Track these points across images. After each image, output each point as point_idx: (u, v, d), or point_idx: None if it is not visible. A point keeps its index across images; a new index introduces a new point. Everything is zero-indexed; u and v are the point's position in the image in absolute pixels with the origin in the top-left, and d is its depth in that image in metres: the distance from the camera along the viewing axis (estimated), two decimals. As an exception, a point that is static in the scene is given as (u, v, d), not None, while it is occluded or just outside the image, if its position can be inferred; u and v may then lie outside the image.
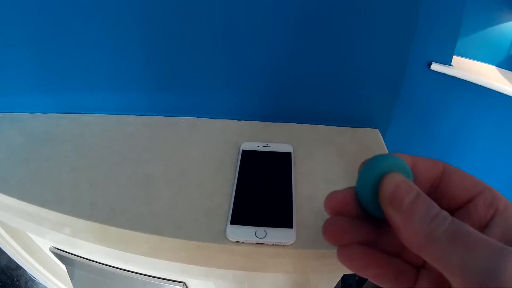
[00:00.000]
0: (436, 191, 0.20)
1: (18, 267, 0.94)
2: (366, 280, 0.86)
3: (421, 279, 0.20)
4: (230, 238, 0.32)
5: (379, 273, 0.20)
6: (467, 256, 0.14)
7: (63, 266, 0.58)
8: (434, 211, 0.17)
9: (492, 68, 0.98)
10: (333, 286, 0.42)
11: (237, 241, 0.31)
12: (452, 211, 0.18)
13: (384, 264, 0.20)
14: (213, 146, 0.43)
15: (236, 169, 0.39)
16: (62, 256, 0.51)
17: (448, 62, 0.89)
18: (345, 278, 0.89)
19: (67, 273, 0.58)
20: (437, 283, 0.19)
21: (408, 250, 0.18)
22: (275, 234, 0.31)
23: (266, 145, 0.42)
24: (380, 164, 0.19)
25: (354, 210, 0.21)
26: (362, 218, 0.21)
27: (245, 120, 0.48)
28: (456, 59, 0.92)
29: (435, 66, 0.88)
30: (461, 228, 0.15)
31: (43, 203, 0.36)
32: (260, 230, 0.32)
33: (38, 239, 0.58)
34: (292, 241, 0.31)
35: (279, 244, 0.31)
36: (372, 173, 0.19)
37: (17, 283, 0.97)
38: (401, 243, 0.18)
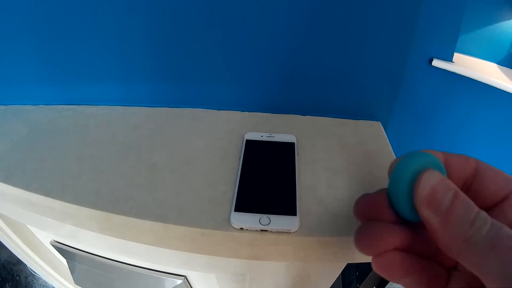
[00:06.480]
0: (470, 190, 0.19)
1: (18, 262, 0.94)
2: (366, 275, 0.86)
3: (453, 281, 0.19)
4: (234, 225, 0.32)
5: (415, 280, 0.19)
6: (509, 263, 0.13)
7: (64, 260, 0.58)
8: (473, 212, 0.15)
9: (493, 66, 0.99)
10: (334, 279, 0.42)
11: (241, 228, 0.32)
12: (486, 210, 0.17)
13: (419, 270, 0.19)
14: (217, 136, 0.43)
15: (240, 158, 0.39)
16: (63, 250, 0.51)
17: (449, 59, 0.89)
18: (345, 274, 0.89)
19: (67, 268, 0.58)
20: (469, 284, 0.18)
21: (441, 252, 0.17)
22: (279, 221, 0.32)
23: (270, 135, 0.42)
24: (413, 163, 0.18)
25: (387, 214, 0.20)
26: (395, 222, 0.20)
27: (248, 111, 0.48)
28: (457, 56, 0.92)
29: (436, 62, 0.89)
30: (502, 232, 0.14)
31: (47, 192, 0.36)
32: (264, 217, 0.32)
33: (39, 233, 0.58)
34: (296, 228, 0.31)
35: (283, 231, 0.31)
36: (406, 174, 0.18)
37: (17, 278, 0.96)
38: (435, 247, 0.17)
